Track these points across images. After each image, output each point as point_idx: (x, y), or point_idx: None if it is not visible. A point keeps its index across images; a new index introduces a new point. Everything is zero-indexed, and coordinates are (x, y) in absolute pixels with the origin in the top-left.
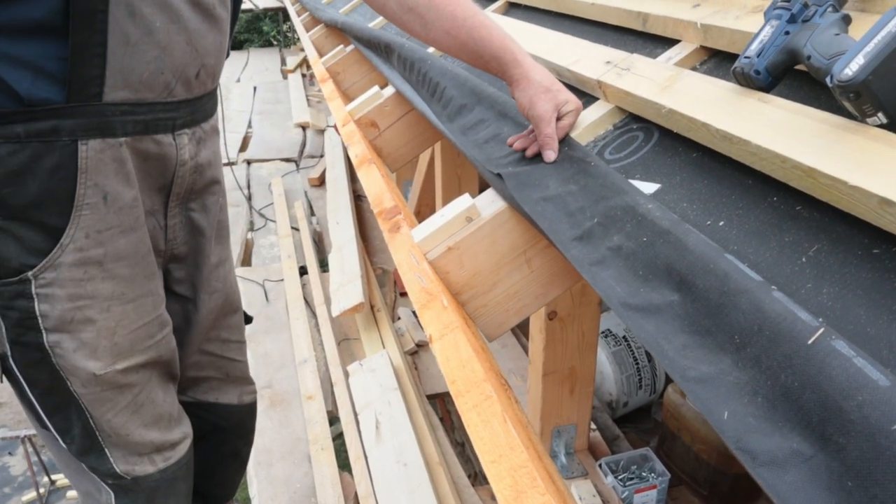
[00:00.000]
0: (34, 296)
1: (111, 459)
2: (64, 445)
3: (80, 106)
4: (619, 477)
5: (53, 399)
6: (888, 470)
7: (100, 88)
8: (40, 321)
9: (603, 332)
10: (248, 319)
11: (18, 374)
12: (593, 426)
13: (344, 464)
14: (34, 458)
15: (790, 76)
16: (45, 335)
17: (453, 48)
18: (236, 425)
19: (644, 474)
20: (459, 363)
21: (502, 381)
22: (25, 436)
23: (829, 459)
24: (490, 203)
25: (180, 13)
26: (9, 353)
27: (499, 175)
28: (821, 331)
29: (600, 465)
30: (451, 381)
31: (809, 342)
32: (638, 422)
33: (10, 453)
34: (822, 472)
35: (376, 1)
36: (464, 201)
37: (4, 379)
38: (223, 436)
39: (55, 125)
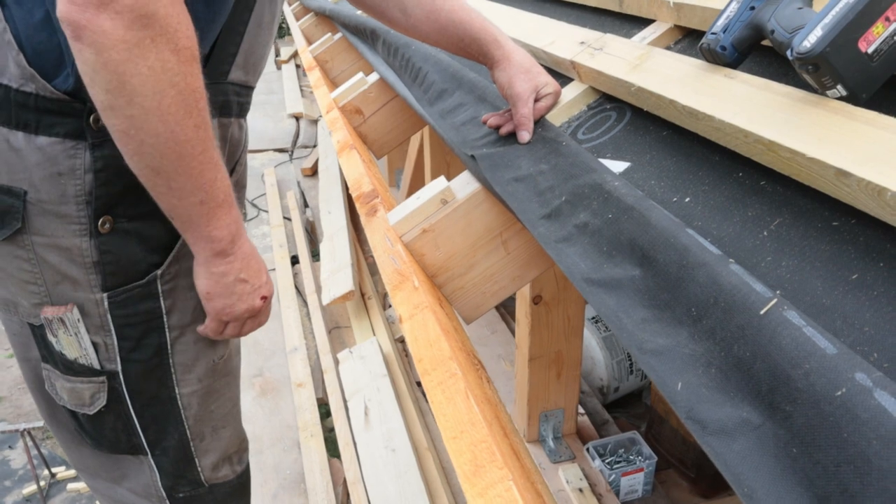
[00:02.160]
0: (160, 294)
1: (199, 467)
2: (152, 458)
3: (211, 84)
4: (607, 460)
5: (153, 409)
6: (830, 436)
7: (229, 66)
8: (165, 319)
9: (594, 318)
10: None
11: (126, 389)
12: (582, 411)
13: (334, 450)
14: (34, 452)
15: (761, 52)
16: (167, 333)
17: (433, 34)
18: None
19: (631, 457)
20: (427, 342)
21: (474, 362)
22: (25, 429)
23: (776, 427)
24: (465, 185)
25: (277, 3)
26: (119, 369)
27: (472, 156)
28: (773, 301)
29: (588, 449)
30: (419, 359)
31: (762, 312)
32: (629, 407)
33: (10, 447)
34: (769, 440)
35: None
36: (439, 183)
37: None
38: None
39: None
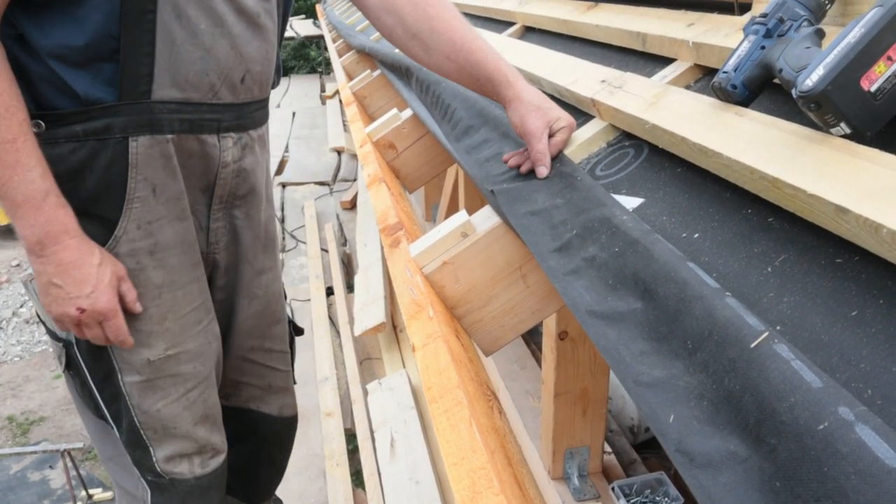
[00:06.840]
0: None
1: (154, 457)
2: (118, 434)
3: (130, 104)
4: (632, 500)
5: (109, 388)
6: (812, 469)
7: (148, 87)
8: None
9: None
10: (300, 331)
11: (81, 361)
12: (609, 449)
13: (360, 480)
14: (73, 473)
15: (774, 91)
16: None
17: (452, 72)
18: (273, 434)
19: (658, 498)
20: (437, 371)
21: (486, 393)
22: (65, 450)
23: (761, 460)
24: (486, 219)
25: (224, 18)
26: (73, 341)
27: (492, 191)
28: (764, 335)
29: (613, 489)
30: (428, 387)
31: (752, 346)
32: (660, 447)
33: (50, 466)
34: (754, 474)
35: (385, 27)
36: (459, 217)
37: (64, 370)
38: (259, 442)
39: (108, 123)
